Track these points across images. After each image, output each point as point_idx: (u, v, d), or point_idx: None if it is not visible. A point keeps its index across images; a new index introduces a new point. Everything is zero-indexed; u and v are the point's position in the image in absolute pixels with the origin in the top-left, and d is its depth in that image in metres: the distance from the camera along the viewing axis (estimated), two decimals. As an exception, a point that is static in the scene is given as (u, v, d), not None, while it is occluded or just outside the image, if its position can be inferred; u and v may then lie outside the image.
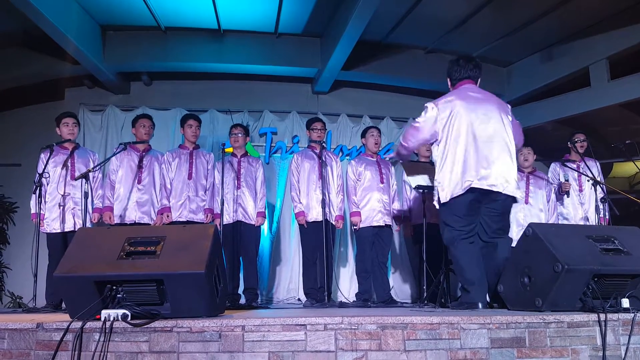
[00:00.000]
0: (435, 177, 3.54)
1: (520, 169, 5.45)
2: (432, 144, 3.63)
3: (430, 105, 3.57)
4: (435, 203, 3.57)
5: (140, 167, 5.12)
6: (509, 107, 3.71)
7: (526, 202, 5.35)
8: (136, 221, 5.02)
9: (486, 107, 3.52)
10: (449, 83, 3.79)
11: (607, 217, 5.06)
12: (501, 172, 3.41)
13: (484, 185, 3.36)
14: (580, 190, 5.44)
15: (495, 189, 3.38)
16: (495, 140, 3.45)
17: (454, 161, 3.42)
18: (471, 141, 3.42)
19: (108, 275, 2.45)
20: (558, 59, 7.07)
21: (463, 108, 3.47)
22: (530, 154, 5.48)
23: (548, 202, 5.46)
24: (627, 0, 5.93)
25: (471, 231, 3.43)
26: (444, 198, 3.44)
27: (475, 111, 3.47)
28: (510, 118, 3.60)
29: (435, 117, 3.50)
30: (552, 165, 5.69)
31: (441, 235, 3.59)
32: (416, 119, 3.62)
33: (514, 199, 3.50)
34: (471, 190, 3.36)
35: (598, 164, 5.50)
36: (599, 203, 5.00)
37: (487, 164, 3.39)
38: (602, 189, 5.05)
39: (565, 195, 5.36)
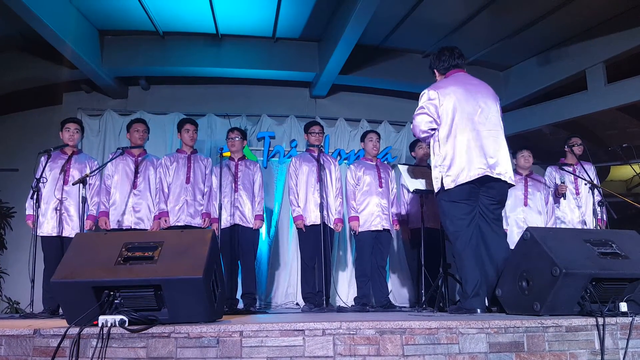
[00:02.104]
0: (437, 163, 3.52)
1: (518, 172, 5.47)
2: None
3: (428, 91, 3.58)
4: (435, 185, 3.55)
5: (136, 172, 5.12)
6: (498, 97, 3.75)
7: (525, 205, 5.36)
8: (132, 227, 5.01)
9: (484, 96, 3.58)
10: (437, 74, 3.81)
11: (605, 219, 5.07)
12: (503, 161, 3.48)
13: (493, 173, 3.41)
14: (577, 194, 5.45)
15: (502, 178, 3.44)
16: (495, 129, 3.52)
17: (460, 148, 3.43)
18: (475, 129, 3.45)
19: (105, 280, 2.44)
20: (555, 62, 7.10)
21: (463, 96, 3.50)
22: (530, 156, 5.52)
23: (546, 204, 5.47)
24: (623, 4, 5.96)
25: (472, 219, 3.45)
26: (448, 185, 3.43)
27: (475, 100, 3.52)
28: (499, 108, 3.66)
29: (437, 99, 3.51)
30: (549, 168, 5.70)
31: (444, 229, 3.60)
32: (418, 107, 3.61)
33: (509, 186, 3.56)
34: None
35: (593, 167, 5.52)
36: (597, 206, 5.02)
37: (492, 152, 3.45)
38: (599, 192, 5.06)
39: (562, 198, 5.37)
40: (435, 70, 3.82)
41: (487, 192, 3.48)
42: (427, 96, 3.57)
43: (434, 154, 3.58)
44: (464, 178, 3.39)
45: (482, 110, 3.51)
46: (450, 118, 3.48)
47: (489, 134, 3.48)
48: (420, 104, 3.60)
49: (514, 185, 3.63)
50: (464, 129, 3.45)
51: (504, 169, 3.47)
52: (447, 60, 3.72)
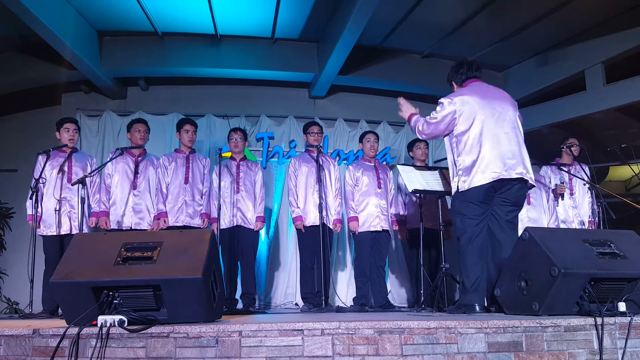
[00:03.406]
0: (455, 169, 3.59)
1: None
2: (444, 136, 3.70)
3: (446, 100, 3.62)
4: (453, 188, 3.62)
5: (136, 172, 5.12)
6: (516, 103, 3.82)
7: (528, 203, 5.36)
8: (132, 227, 5.01)
9: (501, 102, 3.65)
10: (455, 86, 3.86)
11: (596, 220, 5.08)
12: (522, 161, 3.54)
13: (512, 174, 3.45)
14: (572, 194, 5.46)
15: (524, 177, 3.49)
16: (513, 133, 3.58)
17: (477, 152, 3.48)
18: (493, 134, 3.50)
19: (105, 281, 2.44)
20: (554, 63, 7.11)
21: (481, 102, 3.56)
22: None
23: (547, 202, 5.47)
24: (621, 5, 5.97)
25: (482, 221, 3.49)
26: (463, 187, 3.50)
27: (492, 106, 3.58)
28: (517, 113, 3.74)
29: (454, 111, 3.57)
30: (544, 167, 5.70)
31: (453, 226, 3.66)
32: (432, 114, 3.65)
33: (527, 189, 3.60)
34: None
35: (587, 168, 5.53)
36: (595, 206, 5.02)
37: (511, 154, 3.50)
38: (597, 192, 5.07)
39: (560, 198, 5.37)
40: (453, 83, 3.88)
41: (503, 193, 3.52)
42: (444, 107, 3.60)
43: (452, 161, 3.65)
44: (478, 181, 3.44)
45: (500, 115, 3.57)
46: (469, 124, 3.53)
47: (507, 137, 3.54)
48: (437, 111, 3.62)
49: (534, 186, 3.67)
50: (482, 134, 3.50)
51: (524, 169, 3.52)
52: (465, 73, 3.80)
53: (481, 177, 3.44)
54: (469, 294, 3.37)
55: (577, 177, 5.37)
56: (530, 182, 3.55)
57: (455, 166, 3.60)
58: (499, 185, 3.48)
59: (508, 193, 3.51)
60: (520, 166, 3.50)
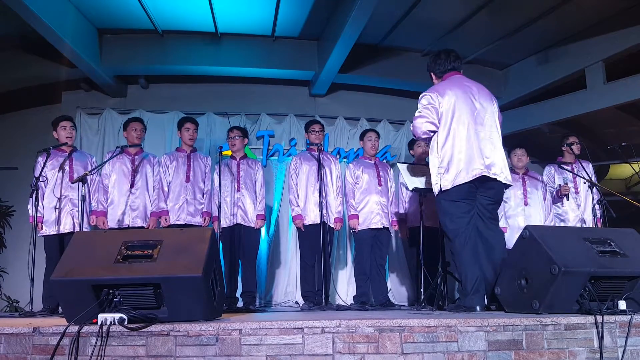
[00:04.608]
0: (436, 165, 3.56)
1: (514, 171, 5.44)
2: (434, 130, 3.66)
3: (427, 94, 3.61)
4: (434, 187, 3.59)
5: (133, 171, 5.11)
6: (496, 99, 3.79)
7: (525, 204, 5.34)
8: (130, 225, 5.00)
9: (480, 97, 3.62)
10: (434, 77, 3.84)
11: (600, 218, 5.06)
12: (499, 161, 3.52)
13: (489, 173, 3.45)
14: (576, 192, 5.45)
15: (498, 178, 3.48)
16: (491, 130, 3.56)
17: (458, 149, 3.47)
18: (473, 130, 3.49)
19: (105, 279, 2.44)
20: (554, 61, 7.10)
21: (460, 98, 3.54)
22: (524, 155, 5.47)
23: (544, 201, 5.46)
24: (622, 3, 5.96)
25: (471, 218, 3.48)
26: (446, 185, 3.48)
27: (471, 101, 3.56)
28: (496, 109, 3.70)
29: (438, 103, 3.54)
30: (547, 167, 5.68)
31: (443, 228, 3.63)
32: (417, 112, 3.64)
33: (505, 187, 3.60)
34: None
35: (591, 165, 5.52)
36: (596, 205, 5.01)
37: (489, 152, 3.49)
38: (598, 190, 5.06)
39: (565, 198, 5.36)
40: (432, 74, 3.86)
41: (485, 192, 3.52)
42: (426, 100, 3.61)
43: (432, 156, 3.63)
44: (462, 179, 3.43)
45: (479, 112, 3.55)
46: (449, 120, 3.52)
47: (485, 135, 3.52)
48: (419, 108, 3.63)
49: (510, 185, 3.68)
50: (461, 131, 3.49)
51: (500, 169, 3.51)
52: (443, 64, 3.76)
53: (464, 176, 3.42)
54: (470, 296, 3.35)
55: (579, 176, 5.35)
56: (505, 182, 3.54)
57: (437, 162, 3.56)
58: (480, 183, 3.48)
59: (490, 192, 3.52)
60: (496, 167, 3.49)
